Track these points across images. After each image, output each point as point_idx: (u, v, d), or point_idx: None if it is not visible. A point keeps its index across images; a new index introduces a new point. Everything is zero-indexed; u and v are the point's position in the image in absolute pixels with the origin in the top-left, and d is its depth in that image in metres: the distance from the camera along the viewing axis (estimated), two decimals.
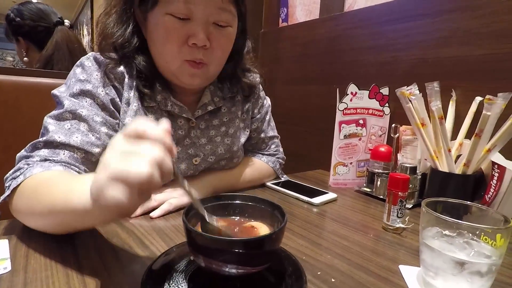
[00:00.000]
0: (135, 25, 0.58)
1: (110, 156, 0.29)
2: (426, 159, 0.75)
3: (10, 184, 0.46)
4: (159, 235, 0.50)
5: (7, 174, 0.49)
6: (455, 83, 0.75)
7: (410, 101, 0.67)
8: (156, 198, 0.59)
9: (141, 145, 0.28)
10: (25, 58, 1.26)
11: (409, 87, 0.68)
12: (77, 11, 7.50)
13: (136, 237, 0.49)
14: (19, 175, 0.46)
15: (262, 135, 0.83)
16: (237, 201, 0.41)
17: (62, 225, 0.42)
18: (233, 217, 0.41)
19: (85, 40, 6.25)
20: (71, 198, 0.36)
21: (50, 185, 0.42)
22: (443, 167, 0.65)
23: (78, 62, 0.58)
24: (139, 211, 0.57)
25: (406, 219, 0.56)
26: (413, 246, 0.52)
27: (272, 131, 0.86)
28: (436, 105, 0.60)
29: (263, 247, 0.32)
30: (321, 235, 0.54)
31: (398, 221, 0.56)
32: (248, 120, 0.78)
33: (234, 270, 0.32)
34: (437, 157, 0.66)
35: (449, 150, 0.62)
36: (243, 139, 0.76)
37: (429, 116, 0.65)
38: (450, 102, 0.73)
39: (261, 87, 0.82)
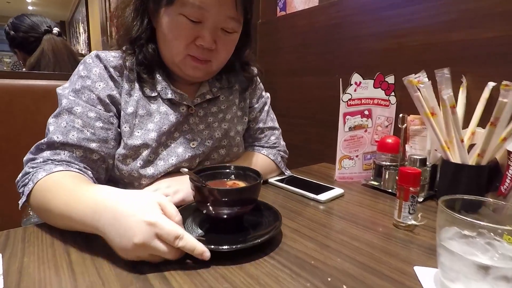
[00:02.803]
0: (148, 18, 0.62)
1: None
2: (436, 150, 0.71)
3: (23, 190, 0.52)
4: None
5: (18, 178, 0.54)
6: (465, 68, 0.71)
7: (419, 89, 0.63)
8: None
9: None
10: (24, 69, 1.31)
11: (417, 75, 0.64)
12: (72, 9, 7.42)
13: None
14: (28, 182, 0.52)
15: (261, 124, 0.81)
16: (221, 170, 0.56)
17: (71, 228, 0.47)
18: (220, 179, 0.55)
19: (82, 38, 6.20)
20: (76, 211, 0.45)
21: (56, 192, 0.49)
22: (455, 158, 0.62)
23: (82, 60, 0.62)
24: None
25: (419, 215, 0.54)
26: (427, 244, 0.49)
27: (271, 122, 0.84)
28: (447, 93, 0.56)
29: (251, 192, 0.48)
30: (330, 236, 0.52)
31: (410, 217, 0.54)
32: (246, 108, 0.78)
33: (231, 211, 0.47)
34: (449, 147, 0.62)
35: (462, 140, 0.59)
36: (240, 127, 0.75)
37: (438, 105, 0.62)
38: (461, 89, 0.69)
39: (258, 79, 0.82)
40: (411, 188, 0.53)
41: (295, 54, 1.16)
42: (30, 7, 8.17)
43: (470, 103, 0.70)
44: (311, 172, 0.92)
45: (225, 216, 0.48)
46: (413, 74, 0.64)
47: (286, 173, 0.83)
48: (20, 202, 0.52)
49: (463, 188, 0.61)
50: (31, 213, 0.78)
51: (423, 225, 0.54)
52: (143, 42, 0.62)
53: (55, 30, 1.22)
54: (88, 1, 5.42)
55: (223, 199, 0.46)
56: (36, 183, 0.50)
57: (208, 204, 0.46)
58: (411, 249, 0.48)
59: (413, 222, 0.53)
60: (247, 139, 0.82)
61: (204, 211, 0.48)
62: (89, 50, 5.29)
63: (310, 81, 1.11)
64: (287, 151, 0.86)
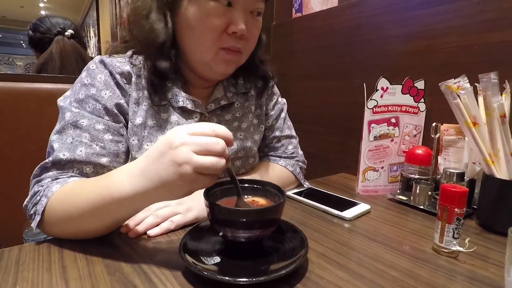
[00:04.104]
0: (168, 17, 0.56)
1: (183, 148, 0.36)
2: (474, 163, 0.64)
3: (36, 210, 0.46)
4: (158, 258, 0.42)
5: (25, 202, 0.49)
6: (508, 72, 0.64)
7: (458, 96, 0.57)
8: (158, 214, 0.52)
9: (210, 139, 0.37)
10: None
11: (456, 80, 0.58)
12: (83, 14, 7.51)
13: (141, 270, 0.41)
14: (40, 198, 0.47)
15: (277, 133, 0.75)
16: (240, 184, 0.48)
17: (105, 220, 0.44)
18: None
19: (92, 42, 6.26)
20: (112, 191, 0.41)
21: (80, 190, 0.45)
22: (501, 173, 0.55)
23: (85, 67, 0.57)
24: (140, 228, 0.50)
25: (466, 240, 0.47)
26: (478, 276, 0.42)
27: (288, 130, 0.78)
28: (497, 101, 0.50)
29: (274, 213, 0.42)
30: (362, 262, 0.45)
31: (454, 242, 0.47)
32: (262, 116, 0.72)
33: (250, 234, 0.41)
34: (493, 161, 0.55)
35: None
36: (257, 136, 0.70)
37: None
38: (504, 96, 0.62)
39: (275, 85, 0.77)
40: (456, 209, 0.46)
41: (312, 57, 1.10)
42: (43, 12, 8.31)
43: None
44: (330, 184, 0.85)
45: (244, 240, 0.42)
46: (452, 79, 0.58)
47: (304, 185, 0.77)
48: (34, 223, 0.46)
49: (510, 207, 0.54)
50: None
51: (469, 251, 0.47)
52: (169, 45, 0.56)
53: (68, 32, 1.19)
54: (99, 6, 5.47)
55: (242, 221, 0.40)
56: (51, 197, 0.46)
57: (224, 226, 0.41)
58: (460, 282, 0.41)
59: (459, 248, 0.46)
60: (263, 148, 0.76)
61: (220, 234, 0.42)
62: (99, 54, 5.33)
63: (328, 86, 1.05)
64: (306, 161, 0.80)
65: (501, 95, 0.63)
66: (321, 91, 1.08)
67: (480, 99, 0.60)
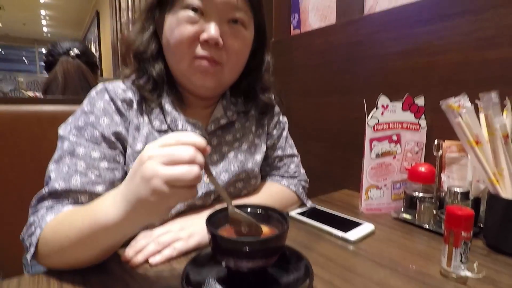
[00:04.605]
0: (154, 31, 0.58)
1: (150, 163, 0.35)
2: (478, 181, 0.64)
3: (31, 241, 0.46)
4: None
5: (22, 234, 0.49)
6: (509, 89, 0.64)
7: (460, 115, 0.57)
8: (160, 241, 0.51)
9: (176, 148, 0.36)
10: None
11: (456, 98, 0.58)
12: (85, 30, 7.64)
13: None
14: (34, 230, 0.47)
15: (279, 152, 0.75)
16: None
17: (95, 249, 0.44)
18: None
19: None
20: (97, 218, 0.40)
21: (70, 220, 0.45)
22: (506, 192, 0.54)
23: (88, 94, 0.58)
24: (141, 257, 0.49)
25: (474, 265, 0.46)
26: None
27: (290, 149, 0.77)
28: (500, 121, 0.49)
29: (277, 242, 0.41)
30: None
31: (463, 267, 0.46)
32: (264, 136, 0.72)
33: (254, 265, 0.40)
34: (498, 180, 0.55)
35: None
36: (258, 157, 0.69)
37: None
38: (505, 113, 0.62)
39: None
40: (463, 233, 0.45)
41: (312, 74, 1.11)
42: (45, 29, 8.46)
43: None
44: (333, 202, 0.84)
45: (247, 270, 0.41)
46: (453, 98, 0.58)
47: (307, 205, 0.76)
48: (29, 256, 0.46)
49: None
50: None
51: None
52: (149, 57, 0.57)
53: (73, 52, 1.23)
54: (100, 22, 5.57)
55: (245, 251, 0.39)
56: (44, 228, 0.45)
57: (227, 256, 0.40)
58: None
59: (468, 274, 0.45)
60: (265, 167, 0.76)
61: (223, 264, 0.41)
62: (100, 69, 5.39)
63: (329, 102, 1.05)
64: (308, 180, 0.79)
65: (504, 112, 0.63)
66: (322, 107, 1.08)
67: (482, 116, 0.60)
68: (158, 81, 0.58)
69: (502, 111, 0.64)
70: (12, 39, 9.27)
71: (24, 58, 10.94)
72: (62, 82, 1.17)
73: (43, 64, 1.36)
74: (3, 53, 10.48)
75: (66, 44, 1.26)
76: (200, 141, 0.37)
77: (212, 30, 0.52)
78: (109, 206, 0.40)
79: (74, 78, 1.20)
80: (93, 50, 6.38)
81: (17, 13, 6.89)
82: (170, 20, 0.55)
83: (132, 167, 0.38)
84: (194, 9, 0.53)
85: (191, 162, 0.35)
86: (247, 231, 0.43)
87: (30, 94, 1.64)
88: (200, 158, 0.36)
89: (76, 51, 1.23)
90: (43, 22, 7.80)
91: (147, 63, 0.58)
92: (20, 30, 8.40)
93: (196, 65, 0.55)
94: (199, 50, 0.54)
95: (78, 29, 8.11)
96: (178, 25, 0.53)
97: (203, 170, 0.37)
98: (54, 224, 0.45)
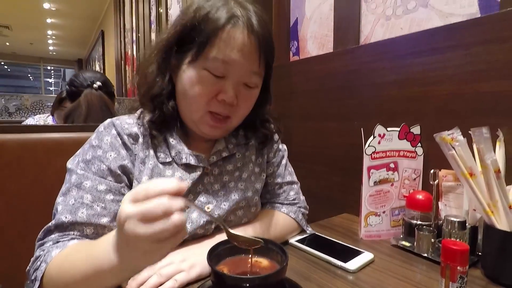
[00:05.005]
0: (170, 75, 0.60)
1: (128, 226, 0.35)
2: (475, 210, 0.65)
3: (36, 276, 0.48)
4: None
5: (28, 267, 0.50)
6: (501, 120, 0.66)
7: (453, 147, 0.58)
8: (162, 273, 0.52)
9: (148, 204, 0.35)
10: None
11: (450, 132, 0.60)
12: (89, 48, 7.82)
13: None
14: (40, 264, 0.48)
15: (279, 179, 0.76)
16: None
17: (99, 287, 0.45)
18: (239, 255, 0.50)
19: None
20: (99, 263, 0.42)
21: (74, 259, 0.46)
22: (501, 224, 0.55)
23: (96, 129, 0.61)
24: None
25: None
26: None
27: (290, 176, 0.79)
28: (490, 157, 0.51)
29: (277, 277, 0.43)
30: None
31: None
32: (264, 164, 0.74)
33: None
34: (493, 212, 0.56)
35: (510, 207, 0.53)
36: (258, 185, 0.71)
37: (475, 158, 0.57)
38: (498, 144, 0.64)
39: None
40: (458, 268, 0.46)
41: (311, 99, 1.14)
42: (51, 47, 8.67)
43: (510, 158, 0.64)
44: (332, 227, 0.85)
45: None
46: (446, 131, 0.60)
47: (307, 231, 0.77)
48: None
49: None
50: None
51: None
52: (164, 98, 0.60)
53: (96, 84, 1.32)
54: (104, 41, 5.71)
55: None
56: (49, 262, 0.47)
57: None
58: None
59: None
60: (264, 195, 0.77)
61: None
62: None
63: (328, 127, 1.07)
64: (307, 206, 0.81)
65: (496, 143, 0.65)
66: (321, 132, 1.10)
67: (475, 147, 0.61)
68: (170, 119, 0.60)
69: (495, 142, 0.66)
70: (19, 57, 9.49)
71: (29, 75, 11.15)
72: (85, 110, 1.26)
73: (50, 81, 1.48)
74: (9, 70, 10.70)
75: (89, 75, 1.37)
76: (171, 186, 0.35)
77: (231, 92, 0.56)
78: (110, 251, 0.41)
79: (96, 108, 1.29)
80: (97, 68, 6.51)
81: (24, 33, 7.08)
82: (190, 73, 0.56)
83: (117, 226, 0.38)
84: (215, 75, 0.55)
85: (168, 214, 0.34)
86: (247, 245, 0.46)
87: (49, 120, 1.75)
88: (176, 204, 0.35)
89: (98, 83, 1.33)
90: (49, 41, 8.00)
91: (161, 103, 0.60)
92: (26, 49, 8.61)
93: (207, 120, 0.58)
94: (214, 107, 0.57)
95: (83, 48, 8.31)
96: (200, 82, 0.56)
97: (188, 208, 0.38)
98: (59, 262, 0.47)
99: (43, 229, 0.52)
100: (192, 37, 0.55)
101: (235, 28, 0.54)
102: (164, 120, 0.60)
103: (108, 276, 0.42)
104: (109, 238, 0.43)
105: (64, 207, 0.52)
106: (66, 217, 0.51)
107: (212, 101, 0.57)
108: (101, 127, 0.60)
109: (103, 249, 0.42)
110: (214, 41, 0.54)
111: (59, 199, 0.54)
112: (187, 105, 0.59)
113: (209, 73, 0.55)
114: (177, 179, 0.37)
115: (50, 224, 0.52)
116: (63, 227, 0.51)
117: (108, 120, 0.61)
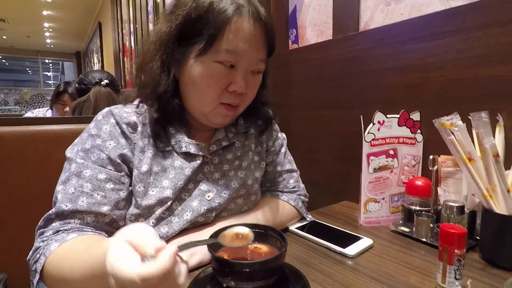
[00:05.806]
0: (173, 71, 0.59)
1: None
2: (473, 195, 0.65)
3: (36, 268, 0.48)
4: None
5: (28, 256, 0.51)
6: (500, 105, 0.66)
7: (452, 132, 0.58)
8: None
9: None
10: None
11: (449, 117, 0.60)
12: (87, 41, 7.75)
13: None
14: (39, 257, 0.49)
15: (278, 168, 0.77)
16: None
17: (98, 286, 0.44)
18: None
19: (95, 67, 6.44)
20: (99, 264, 0.40)
21: (73, 259, 0.46)
22: (499, 208, 0.56)
23: (94, 117, 0.60)
24: None
25: (468, 282, 0.47)
26: None
27: (289, 164, 0.79)
28: (489, 141, 0.51)
29: (276, 262, 0.43)
30: None
31: (457, 284, 0.47)
32: (263, 153, 0.74)
33: (254, 285, 0.42)
34: (491, 196, 0.56)
35: (508, 191, 0.53)
36: (258, 173, 0.71)
37: (474, 146, 0.57)
38: (497, 128, 0.64)
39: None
40: (456, 251, 0.47)
41: (310, 88, 1.13)
42: (48, 40, 8.59)
43: (509, 143, 0.64)
44: (332, 214, 0.86)
45: None
46: (445, 116, 0.60)
47: (307, 218, 0.77)
48: (34, 280, 0.48)
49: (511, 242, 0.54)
50: None
51: None
52: (169, 96, 0.59)
53: (104, 82, 1.46)
54: (102, 33, 5.65)
55: (245, 273, 0.41)
56: (48, 256, 0.47)
57: (228, 277, 0.41)
58: None
59: None
60: (264, 183, 0.77)
61: (224, 285, 0.43)
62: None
63: (327, 115, 1.07)
64: (307, 194, 0.81)
65: (496, 127, 0.65)
66: (320, 120, 1.10)
67: (475, 132, 0.61)
68: (175, 116, 0.60)
69: (495, 127, 0.66)
70: (16, 51, 9.41)
71: (27, 69, 11.08)
72: (94, 103, 1.38)
73: (48, 74, 1.54)
74: (7, 64, 10.63)
75: (97, 74, 1.51)
76: (165, 264, 0.32)
77: (241, 82, 0.57)
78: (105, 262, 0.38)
79: (104, 101, 1.39)
80: (95, 60, 6.47)
81: (21, 26, 7.01)
82: (200, 67, 0.56)
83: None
84: (227, 65, 0.55)
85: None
86: (239, 239, 0.46)
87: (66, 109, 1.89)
88: (179, 270, 0.35)
89: (106, 81, 1.46)
90: (47, 34, 7.92)
91: (167, 101, 0.59)
92: (24, 42, 8.53)
93: (220, 110, 0.59)
94: (225, 98, 0.58)
95: (80, 40, 8.23)
96: (211, 76, 0.56)
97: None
98: (57, 257, 0.47)
99: (43, 216, 0.53)
100: (198, 29, 0.54)
101: (241, 18, 0.53)
102: (169, 117, 0.60)
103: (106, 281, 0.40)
104: (107, 247, 0.38)
105: (64, 196, 0.52)
106: (66, 206, 0.52)
107: (223, 93, 0.57)
108: (99, 116, 0.59)
109: (102, 255, 0.37)
110: (224, 33, 0.53)
111: (59, 187, 0.54)
112: (198, 99, 0.59)
113: (221, 65, 0.55)
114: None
115: (50, 212, 0.52)
116: (64, 215, 0.52)
117: (107, 109, 0.60)
